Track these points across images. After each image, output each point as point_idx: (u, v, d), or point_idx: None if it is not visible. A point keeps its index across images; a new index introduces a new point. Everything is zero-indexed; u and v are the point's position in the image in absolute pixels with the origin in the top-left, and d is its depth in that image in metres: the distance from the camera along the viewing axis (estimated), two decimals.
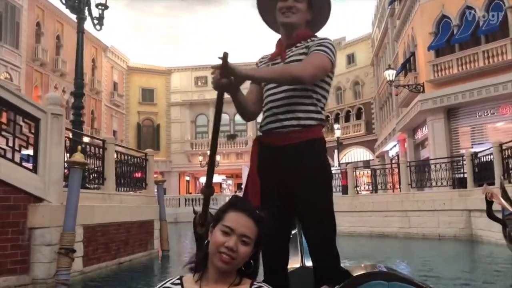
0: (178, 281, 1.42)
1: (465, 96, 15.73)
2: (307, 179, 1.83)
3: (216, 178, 38.27)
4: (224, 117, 38.10)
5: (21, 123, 5.96)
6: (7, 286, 5.35)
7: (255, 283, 1.43)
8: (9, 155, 5.82)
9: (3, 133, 5.78)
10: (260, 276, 1.82)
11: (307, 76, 1.79)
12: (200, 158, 35.33)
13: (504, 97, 14.83)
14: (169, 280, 1.44)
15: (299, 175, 1.84)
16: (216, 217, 1.45)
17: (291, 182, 1.85)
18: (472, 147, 15.26)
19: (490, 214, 5.52)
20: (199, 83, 38.90)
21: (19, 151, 5.89)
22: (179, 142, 38.16)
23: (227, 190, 37.03)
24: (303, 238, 2.13)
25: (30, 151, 6.12)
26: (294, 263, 2.38)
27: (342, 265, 2.35)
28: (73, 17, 8.42)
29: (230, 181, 39.81)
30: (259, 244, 1.45)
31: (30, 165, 6.08)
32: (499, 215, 5.51)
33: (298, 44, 1.96)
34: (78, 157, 5.86)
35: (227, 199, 1.83)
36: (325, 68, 1.88)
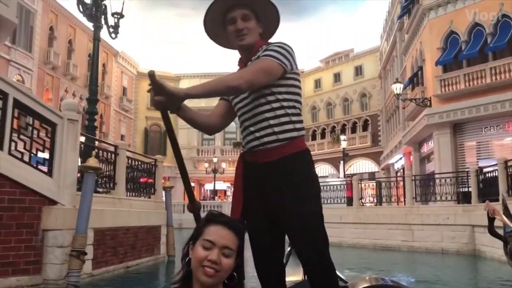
0: None
1: (472, 112, 15.83)
2: (292, 194, 1.79)
3: (221, 186, 38.47)
4: (232, 125, 38.26)
5: (38, 127, 6.15)
6: (20, 285, 5.52)
7: None
8: (25, 157, 6.02)
9: (21, 136, 5.98)
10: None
11: (243, 83, 1.71)
12: (206, 164, 35.53)
13: (511, 114, 14.92)
14: None
15: (284, 190, 1.80)
16: (195, 233, 1.44)
17: (277, 198, 1.81)
18: (478, 163, 15.34)
19: (492, 230, 5.62)
20: None
21: (36, 154, 6.09)
22: (185, 148, 38.36)
23: (231, 198, 37.19)
24: None
25: (45, 155, 6.31)
26: (296, 277, 2.38)
27: (344, 277, 2.37)
28: (85, 22, 8.63)
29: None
30: (241, 256, 1.44)
31: (44, 168, 6.27)
32: (501, 232, 5.63)
33: (253, 58, 1.92)
34: (92, 162, 6.04)
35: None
36: (268, 71, 1.78)
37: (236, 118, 2.08)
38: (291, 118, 1.85)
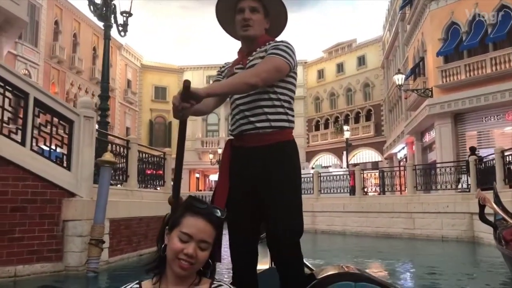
0: (137, 286, 1.40)
1: (472, 102, 16.11)
2: (277, 179, 1.86)
3: None
4: None
5: (57, 124, 6.52)
6: (44, 272, 5.95)
7: (214, 282, 1.42)
8: (45, 153, 6.42)
9: (42, 133, 6.36)
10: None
11: (259, 80, 1.80)
12: (211, 156, 35.93)
13: (510, 103, 15.18)
14: (128, 285, 1.41)
15: (269, 175, 1.86)
16: (173, 220, 1.41)
17: (261, 181, 1.87)
18: (478, 152, 15.64)
19: (482, 217, 5.98)
20: (211, 82, 39.42)
21: (55, 150, 6.47)
22: (190, 140, 38.68)
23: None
24: None
25: (63, 150, 6.69)
26: (262, 264, 2.45)
27: (310, 264, 2.49)
28: (90, 15, 8.91)
29: None
30: (217, 244, 1.45)
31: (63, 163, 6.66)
32: (492, 218, 5.98)
33: (258, 49, 1.99)
34: (108, 156, 6.42)
35: None
36: (280, 70, 1.88)
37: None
38: (286, 111, 1.95)
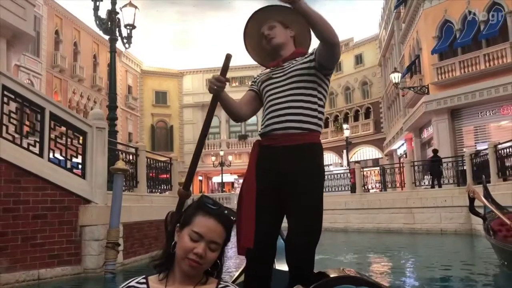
0: (144, 280, 1.41)
1: (468, 98, 16.50)
2: (303, 179, 1.88)
3: (229, 178, 39.29)
4: None
5: (72, 136, 6.92)
6: (64, 274, 6.34)
7: (221, 282, 1.43)
8: (62, 163, 6.82)
9: (58, 145, 6.76)
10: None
11: (337, 41, 1.87)
12: (213, 158, 36.28)
13: (505, 98, 15.59)
14: (134, 279, 1.42)
15: (294, 175, 1.89)
16: (184, 219, 1.41)
17: (286, 181, 1.90)
18: (476, 146, 16.04)
19: (472, 209, 6.40)
20: None
21: (71, 160, 6.88)
22: (192, 143, 39.07)
23: (239, 189, 37.92)
24: (279, 239, 2.11)
25: (78, 159, 7.09)
26: None
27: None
28: (89, 23, 9.24)
29: (241, 180, 40.77)
30: (225, 245, 1.44)
31: (78, 171, 7.05)
32: (482, 210, 6.39)
33: (298, 58, 2.04)
34: (121, 164, 6.82)
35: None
36: (338, 47, 1.93)
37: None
38: (317, 114, 1.99)
